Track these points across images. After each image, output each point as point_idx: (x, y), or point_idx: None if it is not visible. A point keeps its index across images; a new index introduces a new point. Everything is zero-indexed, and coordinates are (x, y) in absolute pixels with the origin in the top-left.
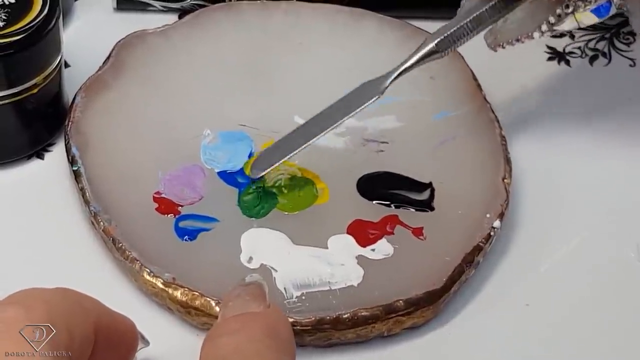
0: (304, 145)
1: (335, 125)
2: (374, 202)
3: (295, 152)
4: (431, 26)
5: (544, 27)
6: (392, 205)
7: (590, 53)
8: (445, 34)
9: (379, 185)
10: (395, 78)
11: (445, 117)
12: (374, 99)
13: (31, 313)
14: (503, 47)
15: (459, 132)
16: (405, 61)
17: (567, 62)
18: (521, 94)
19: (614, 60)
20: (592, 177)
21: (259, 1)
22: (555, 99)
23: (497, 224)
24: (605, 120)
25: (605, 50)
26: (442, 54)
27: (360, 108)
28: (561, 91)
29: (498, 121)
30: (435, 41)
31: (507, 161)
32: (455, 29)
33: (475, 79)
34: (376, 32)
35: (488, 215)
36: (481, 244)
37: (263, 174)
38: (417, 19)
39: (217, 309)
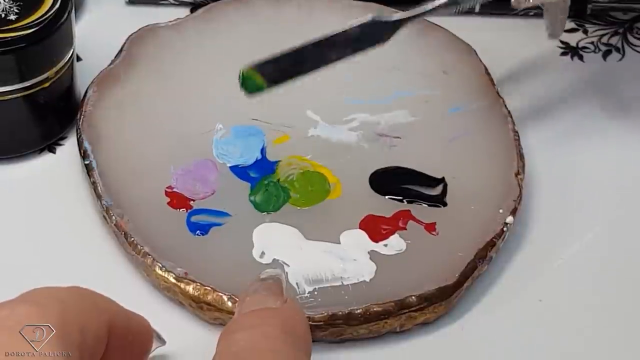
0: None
1: (335, 62)
2: (387, 197)
3: (302, 73)
4: (447, 21)
5: None
6: (404, 200)
7: (604, 48)
8: None
9: (392, 181)
10: (408, 20)
11: (458, 112)
12: (378, 44)
13: (44, 312)
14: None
15: (472, 127)
16: (420, 8)
17: (581, 57)
18: (534, 89)
19: (627, 55)
20: (606, 172)
21: None
22: (568, 94)
23: (510, 219)
24: (618, 115)
25: (619, 45)
26: (460, 6)
27: (369, 47)
28: (574, 86)
29: (511, 116)
30: None
31: (520, 156)
32: None
33: (488, 73)
34: None
35: (501, 211)
36: (494, 240)
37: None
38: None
39: (229, 304)
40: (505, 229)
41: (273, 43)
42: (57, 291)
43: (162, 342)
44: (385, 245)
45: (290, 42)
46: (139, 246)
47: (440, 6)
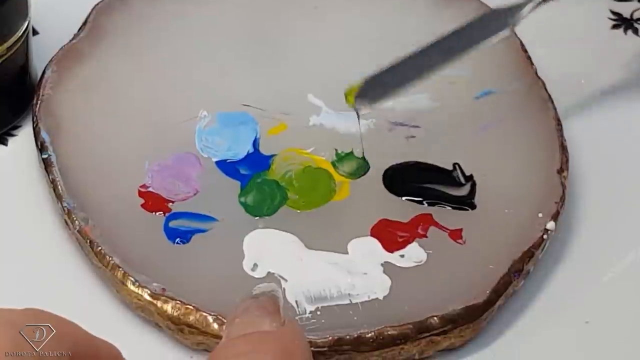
0: (423, 77)
1: (455, 58)
2: (403, 198)
3: (411, 83)
4: None
5: None
6: (425, 202)
7: None
8: None
9: (410, 178)
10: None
11: (489, 96)
12: (505, 30)
13: None
14: None
15: (506, 115)
16: None
17: (636, 31)
18: (580, 68)
19: None
20: None
21: None
22: (620, 74)
23: (551, 225)
24: None
25: None
26: None
27: (488, 40)
28: (628, 65)
29: (552, 101)
30: None
31: (564, 150)
32: None
33: (525, 50)
34: None
35: (540, 215)
36: (532, 250)
37: (371, 108)
38: None
39: (215, 326)
40: (545, 236)
41: (267, 13)
42: (10, 314)
43: None
44: (402, 256)
45: (287, 12)
46: (107, 257)
47: None
